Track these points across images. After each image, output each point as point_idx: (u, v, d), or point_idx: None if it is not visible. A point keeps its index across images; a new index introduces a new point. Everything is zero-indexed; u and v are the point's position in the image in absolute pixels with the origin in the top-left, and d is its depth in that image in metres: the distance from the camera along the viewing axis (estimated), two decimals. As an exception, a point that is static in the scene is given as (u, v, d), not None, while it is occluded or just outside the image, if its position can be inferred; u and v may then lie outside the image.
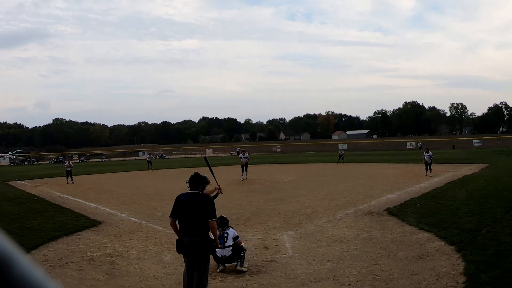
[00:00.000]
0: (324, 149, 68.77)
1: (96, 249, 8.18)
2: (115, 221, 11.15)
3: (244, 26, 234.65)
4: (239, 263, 6.61)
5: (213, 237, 5.20)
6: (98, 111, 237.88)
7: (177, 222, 5.19)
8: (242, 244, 6.88)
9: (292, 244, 8.16)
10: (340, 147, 66.40)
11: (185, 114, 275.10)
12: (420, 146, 57.60)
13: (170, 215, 5.20)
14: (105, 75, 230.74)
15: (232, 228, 7.09)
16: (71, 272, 6.75)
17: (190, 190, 5.23)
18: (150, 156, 34.22)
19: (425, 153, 20.92)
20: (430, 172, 20.03)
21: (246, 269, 6.66)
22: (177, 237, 5.22)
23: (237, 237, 6.86)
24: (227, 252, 6.63)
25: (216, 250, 6.42)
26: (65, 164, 23.14)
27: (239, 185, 19.59)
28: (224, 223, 6.99)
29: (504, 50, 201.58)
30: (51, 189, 20.22)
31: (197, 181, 5.24)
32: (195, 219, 5.00)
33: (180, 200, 5.18)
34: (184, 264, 5.41)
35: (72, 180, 22.80)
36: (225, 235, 6.80)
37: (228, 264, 6.68)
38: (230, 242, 6.73)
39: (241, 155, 24.48)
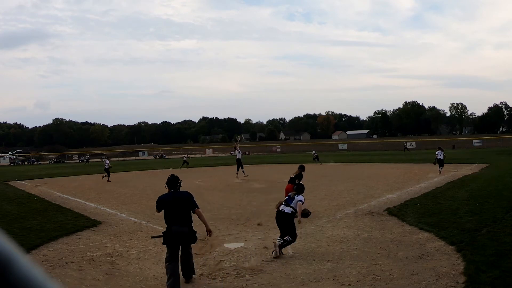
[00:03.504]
0: (324, 149, 68.62)
1: (96, 249, 8.18)
2: (115, 221, 11.14)
3: (243, 26, 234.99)
4: (281, 242, 7.30)
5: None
6: (98, 111, 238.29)
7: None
8: (303, 208, 7.97)
9: (292, 244, 8.14)
10: (340, 147, 66.54)
11: (185, 114, 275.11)
12: (405, 146, 57.48)
13: (157, 211, 6.21)
14: (104, 75, 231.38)
15: (302, 196, 7.97)
16: (71, 272, 6.75)
17: (169, 190, 6.13)
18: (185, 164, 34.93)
19: (437, 152, 21.83)
20: (442, 168, 20.72)
21: (282, 254, 7.26)
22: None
23: (299, 200, 7.80)
24: (289, 210, 7.67)
25: (281, 206, 7.77)
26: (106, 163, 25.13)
27: (239, 185, 19.60)
28: (300, 188, 8.14)
29: (503, 50, 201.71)
30: (51, 189, 20.22)
31: (174, 181, 6.13)
32: (182, 211, 5.88)
33: (165, 199, 6.06)
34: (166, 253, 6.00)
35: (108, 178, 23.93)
36: (293, 198, 7.87)
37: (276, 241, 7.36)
38: (293, 204, 7.76)
39: (232, 152, 24.81)
